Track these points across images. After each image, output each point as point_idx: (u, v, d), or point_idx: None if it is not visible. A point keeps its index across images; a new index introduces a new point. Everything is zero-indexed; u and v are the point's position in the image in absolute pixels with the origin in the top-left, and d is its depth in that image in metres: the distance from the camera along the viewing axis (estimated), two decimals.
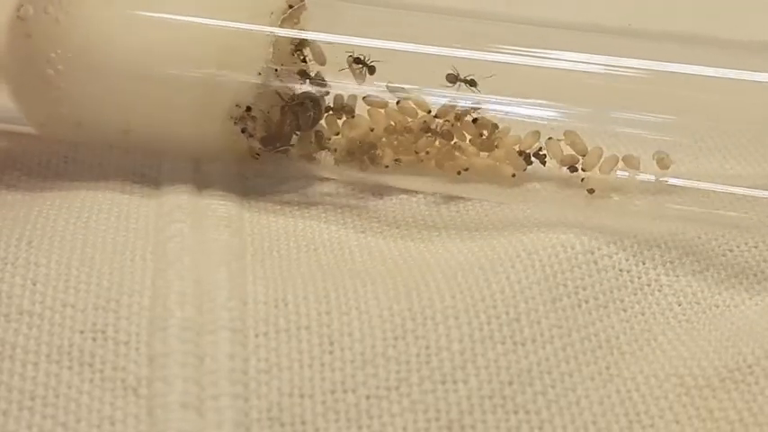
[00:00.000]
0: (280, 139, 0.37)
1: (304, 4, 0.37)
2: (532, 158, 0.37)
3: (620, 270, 0.35)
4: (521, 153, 0.37)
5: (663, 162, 0.36)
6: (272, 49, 0.36)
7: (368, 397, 0.31)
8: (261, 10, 0.37)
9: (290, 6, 0.37)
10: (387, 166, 0.37)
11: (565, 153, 0.37)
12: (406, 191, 0.39)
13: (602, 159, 0.37)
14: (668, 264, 0.36)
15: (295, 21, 0.37)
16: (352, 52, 0.37)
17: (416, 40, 0.37)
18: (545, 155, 0.37)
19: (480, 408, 0.31)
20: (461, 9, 0.40)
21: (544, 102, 0.37)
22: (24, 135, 0.39)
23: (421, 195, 0.39)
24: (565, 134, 0.37)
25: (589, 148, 0.37)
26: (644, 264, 0.35)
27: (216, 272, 0.33)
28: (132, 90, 0.36)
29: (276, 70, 0.36)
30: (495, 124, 0.37)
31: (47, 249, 0.34)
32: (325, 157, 0.38)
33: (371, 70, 0.37)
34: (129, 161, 0.39)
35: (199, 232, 0.35)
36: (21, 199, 0.37)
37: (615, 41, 0.39)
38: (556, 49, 0.37)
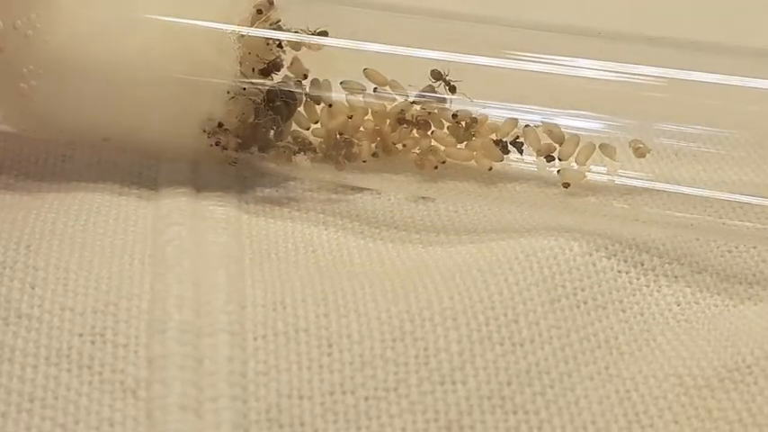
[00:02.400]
0: (255, 142, 0.37)
1: (273, 7, 0.37)
2: (510, 147, 0.37)
3: (619, 271, 0.35)
4: (497, 142, 0.37)
5: (639, 151, 0.36)
6: (239, 66, 0.36)
7: (366, 398, 0.31)
8: (231, 20, 0.36)
9: (259, 12, 0.37)
10: (364, 161, 0.37)
11: (542, 142, 0.37)
12: None
13: (579, 148, 0.37)
14: (667, 264, 0.36)
15: (265, 20, 0.37)
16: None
17: (393, 41, 0.37)
18: (522, 143, 0.37)
19: (479, 408, 0.31)
20: (440, 10, 0.40)
21: (532, 105, 0.37)
22: (20, 134, 0.39)
23: None
24: (542, 122, 0.37)
25: (566, 137, 0.37)
26: (642, 265, 0.35)
27: (214, 275, 0.33)
28: (106, 101, 0.36)
29: (245, 89, 0.36)
30: (474, 117, 0.37)
31: (45, 253, 0.34)
32: (302, 160, 0.37)
33: (323, 33, 0.37)
34: (128, 159, 0.39)
35: (197, 235, 0.35)
36: (19, 200, 0.37)
37: (607, 45, 0.39)
38: (547, 53, 0.37)
